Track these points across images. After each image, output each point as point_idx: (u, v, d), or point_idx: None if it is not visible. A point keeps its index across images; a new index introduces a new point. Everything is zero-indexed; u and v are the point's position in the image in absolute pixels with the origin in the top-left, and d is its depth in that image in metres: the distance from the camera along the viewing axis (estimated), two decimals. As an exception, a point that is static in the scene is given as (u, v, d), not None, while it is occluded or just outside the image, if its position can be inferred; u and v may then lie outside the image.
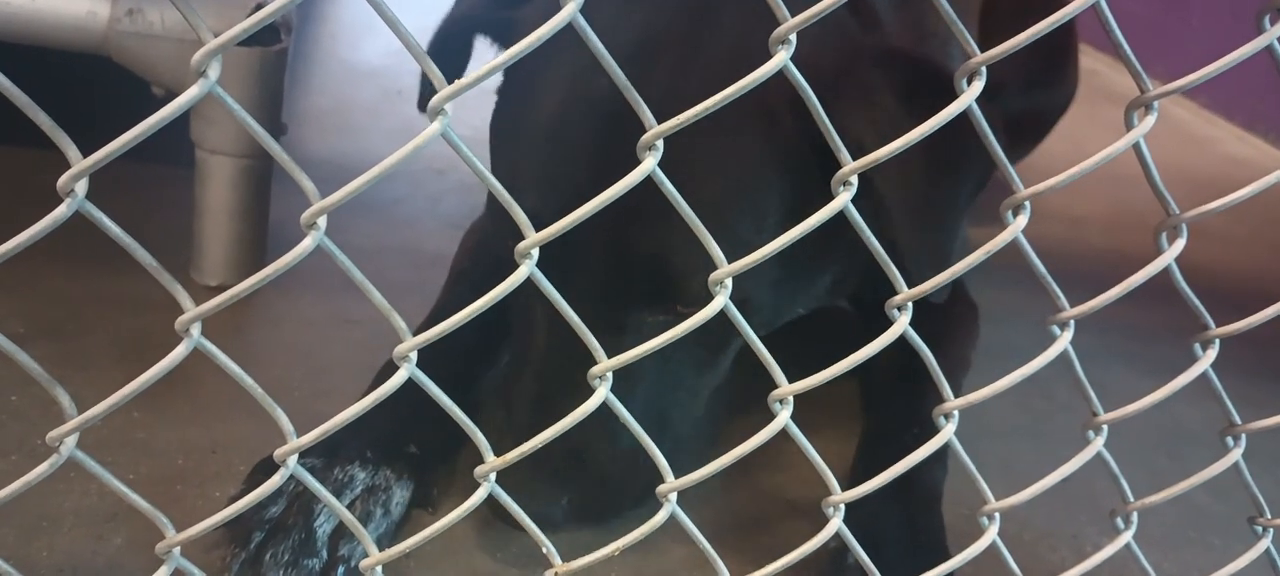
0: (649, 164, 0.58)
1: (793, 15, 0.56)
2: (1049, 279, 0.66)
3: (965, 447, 0.74)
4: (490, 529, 0.96)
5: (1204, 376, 0.73)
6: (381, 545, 0.94)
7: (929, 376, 0.70)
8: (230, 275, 1.30)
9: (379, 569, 0.69)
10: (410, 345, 0.59)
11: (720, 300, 0.62)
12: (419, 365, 0.60)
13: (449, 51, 1.06)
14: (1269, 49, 0.63)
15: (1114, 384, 1.19)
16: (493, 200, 0.60)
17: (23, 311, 1.19)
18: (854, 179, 0.61)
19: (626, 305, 0.91)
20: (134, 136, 0.49)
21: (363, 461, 0.96)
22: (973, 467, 0.74)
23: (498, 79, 1.06)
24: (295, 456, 0.61)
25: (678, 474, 0.71)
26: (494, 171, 0.69)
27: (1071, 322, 0.68)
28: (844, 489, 0.72)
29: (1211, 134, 2.89)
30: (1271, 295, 0.75)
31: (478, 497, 0.66)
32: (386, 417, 0.96)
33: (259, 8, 0.47)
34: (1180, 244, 0.67)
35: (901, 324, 0.65)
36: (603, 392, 0.65)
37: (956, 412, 0.71)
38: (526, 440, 0.67)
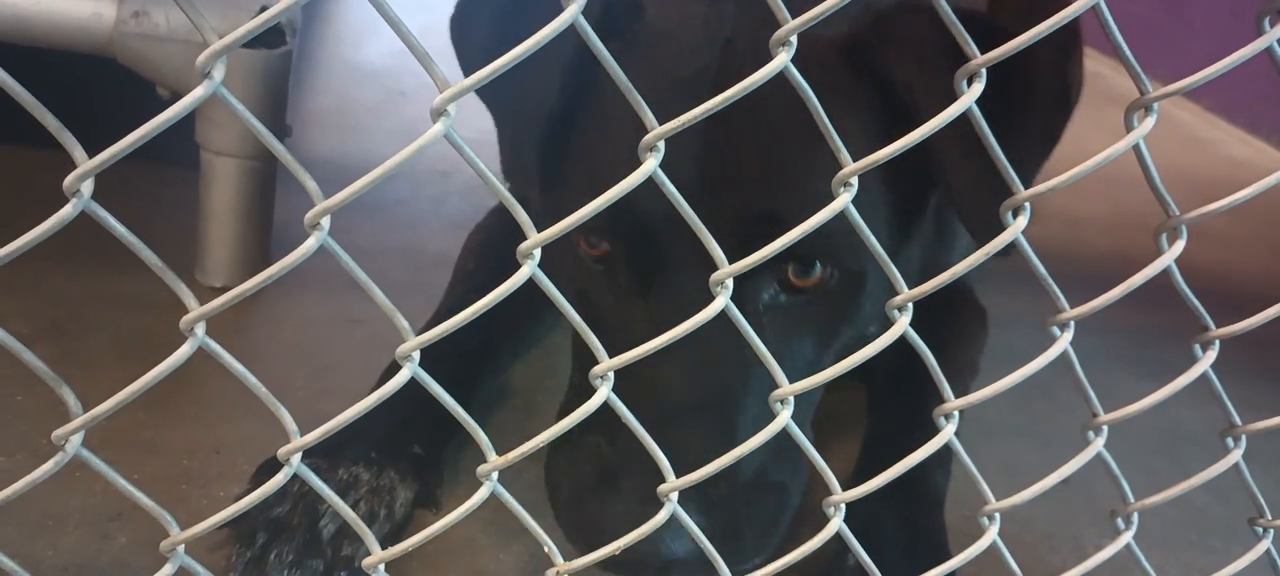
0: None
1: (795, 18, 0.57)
2: (1049, 280, 0.67)
3: (966, 448, 0.74)
4: (493, 528, 0.97)
5: (1204, 377, 0.74)
6: (385, 545, 0.94)
7: (932, 378, 0.70)
8: (234, 276, 1.31)
9: (381, 569, 0.69)
10: (413, 345, 0.59)
11: (720, 302, 0.63)
12: (422, 365, 0.60)
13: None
14: (1269, 51, 0.63)
15: (1114, 385, 1.19)
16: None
17: (26, 311, 1.19)
18: (854, 181, 0.61)
19: (746, 280, 0.88)
20: (139, 137, 0.50)
21: (367, 462, 0.96)
22: (973, 468, 0.74)
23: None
24: (299, 455, 0.61)
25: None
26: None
27: (1072, 324, 0.68)
28: (845, 489, 0.73)
29: (1213, 136, 2.89)
30: (1271, 296, 0.75)
31: (480, 497, 0.66)
32: (391, 418, 0.96)
33: (264, 9, 0.48)
34: (1180, 245, 0.67)
35: (901, 325, 0.66)
36: (604, 392, 0.65)
37: (957, 413, 0.71)
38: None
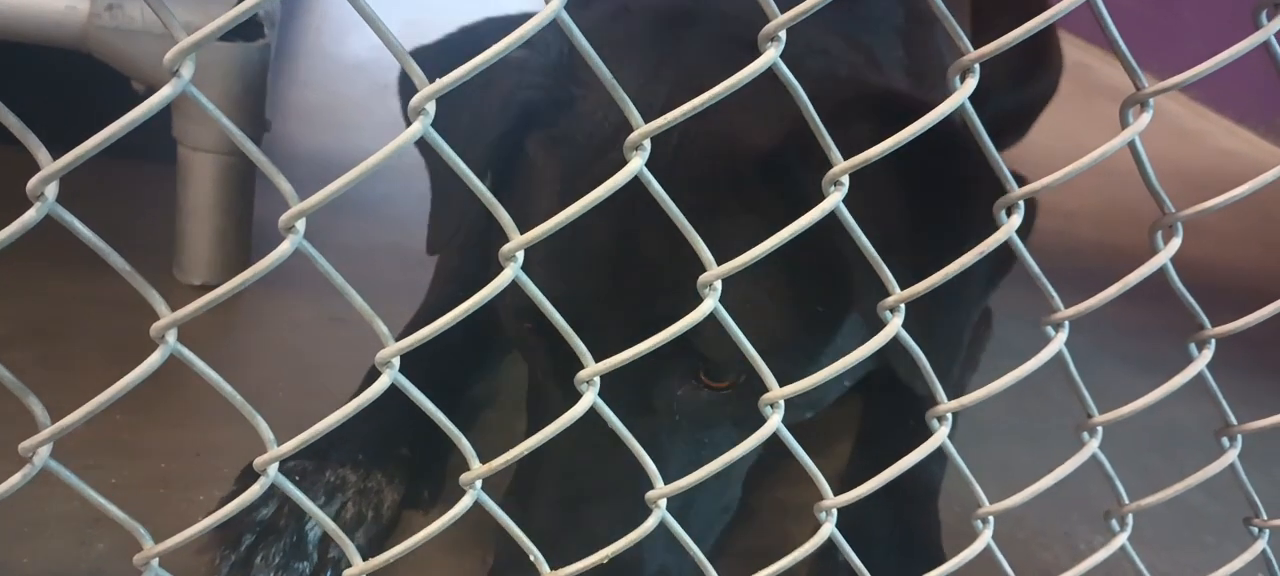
0: (636, 163, 0.57)
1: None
2: (1043, 279, 0.65)
3: (960, 449, 0.73)
4: (481, 531, 0.95)
5: (1199, 376, 0.73)
6: (371, 547, 0.93)
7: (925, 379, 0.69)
8: (214, 274, 1.29)
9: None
10: (392, 351, 0.58)
11: (709, 303, 0.61)
12: (406, 367, 0.59)
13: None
14: (1266, 44, 0.62)
15: (1109, 381, 1.18)
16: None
17: (9, 313, 1.17)
18: (845, 178, 0.60)
19: (656, 378, 0.84)
20: (107, 136, 0.48)
21: (354, 464, 0.95)
22: (967, 471, 0.74)
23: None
24: (275, 465, 0.60)
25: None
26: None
27: (1066, 323, 0.67)
28: (836, 491, 0.72)
29: (1203, 128, 2.89)
30: (1266, 292, 0.74)
31: (463, 505, 0.65)
32: (377, 420, 0.95)
33: (238, 2, 0.46)
34: (1176, 243, 0.66)
35: (893, 326, 0.65)
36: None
37: (950, 415, 0.70)
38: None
